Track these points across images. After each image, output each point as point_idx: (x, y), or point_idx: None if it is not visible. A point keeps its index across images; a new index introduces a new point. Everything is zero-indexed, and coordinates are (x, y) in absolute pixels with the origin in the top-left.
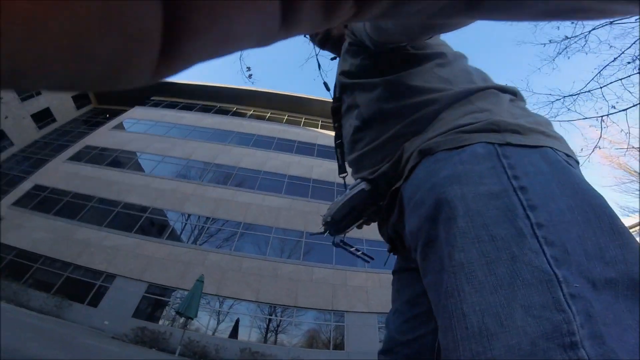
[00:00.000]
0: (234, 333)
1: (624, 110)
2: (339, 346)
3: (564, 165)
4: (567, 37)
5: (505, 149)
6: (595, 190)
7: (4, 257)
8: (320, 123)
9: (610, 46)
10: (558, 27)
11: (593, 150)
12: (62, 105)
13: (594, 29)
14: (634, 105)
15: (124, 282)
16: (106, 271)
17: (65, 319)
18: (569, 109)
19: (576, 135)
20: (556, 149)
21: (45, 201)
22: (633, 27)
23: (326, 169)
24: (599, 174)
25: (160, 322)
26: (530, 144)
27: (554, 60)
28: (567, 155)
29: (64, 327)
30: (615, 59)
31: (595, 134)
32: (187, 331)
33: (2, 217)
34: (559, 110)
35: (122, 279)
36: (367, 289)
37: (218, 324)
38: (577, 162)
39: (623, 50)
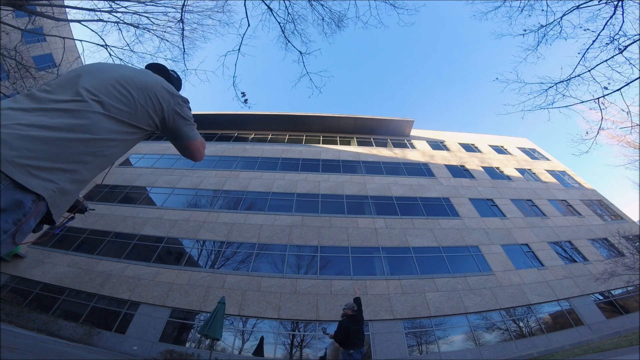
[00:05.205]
0: (259, 351)
1: (618, 90)
2: (366, 355)
3: None
4: (542, 25)
5: None
6: None
7: (30, 292)
8: (321, 138)
9: (585, 29)
10: (530, 16)
11: (598, 132)
12: None
13: (564, 14)
14: (626, 84)
15: (148, 309)
16: (130, 299)
17: (96, 346)
18: (564, 95)
19: (578, 119)
20: None
21: (63, 239)
22: (599, 9)
23: (333, 183)
24: (610, 154)
25: (187, 344)
26: None
27: (536, 49)
28: None
29: (95, 354)
30: (593, 41)
31: (597, 116)
32: (214, 352)
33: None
34: (554, 97)
35: (146, 306)
36: (390, 296)
37: (243, 343)
38: None
39: (598, 32)
